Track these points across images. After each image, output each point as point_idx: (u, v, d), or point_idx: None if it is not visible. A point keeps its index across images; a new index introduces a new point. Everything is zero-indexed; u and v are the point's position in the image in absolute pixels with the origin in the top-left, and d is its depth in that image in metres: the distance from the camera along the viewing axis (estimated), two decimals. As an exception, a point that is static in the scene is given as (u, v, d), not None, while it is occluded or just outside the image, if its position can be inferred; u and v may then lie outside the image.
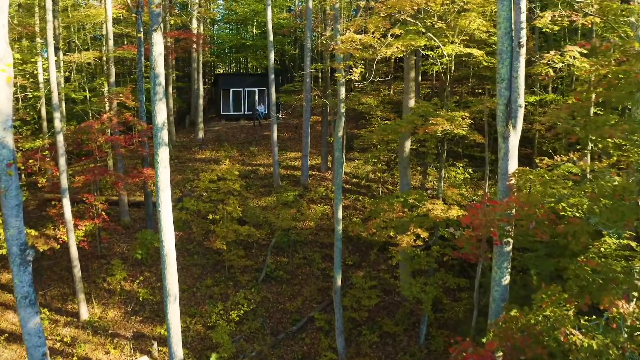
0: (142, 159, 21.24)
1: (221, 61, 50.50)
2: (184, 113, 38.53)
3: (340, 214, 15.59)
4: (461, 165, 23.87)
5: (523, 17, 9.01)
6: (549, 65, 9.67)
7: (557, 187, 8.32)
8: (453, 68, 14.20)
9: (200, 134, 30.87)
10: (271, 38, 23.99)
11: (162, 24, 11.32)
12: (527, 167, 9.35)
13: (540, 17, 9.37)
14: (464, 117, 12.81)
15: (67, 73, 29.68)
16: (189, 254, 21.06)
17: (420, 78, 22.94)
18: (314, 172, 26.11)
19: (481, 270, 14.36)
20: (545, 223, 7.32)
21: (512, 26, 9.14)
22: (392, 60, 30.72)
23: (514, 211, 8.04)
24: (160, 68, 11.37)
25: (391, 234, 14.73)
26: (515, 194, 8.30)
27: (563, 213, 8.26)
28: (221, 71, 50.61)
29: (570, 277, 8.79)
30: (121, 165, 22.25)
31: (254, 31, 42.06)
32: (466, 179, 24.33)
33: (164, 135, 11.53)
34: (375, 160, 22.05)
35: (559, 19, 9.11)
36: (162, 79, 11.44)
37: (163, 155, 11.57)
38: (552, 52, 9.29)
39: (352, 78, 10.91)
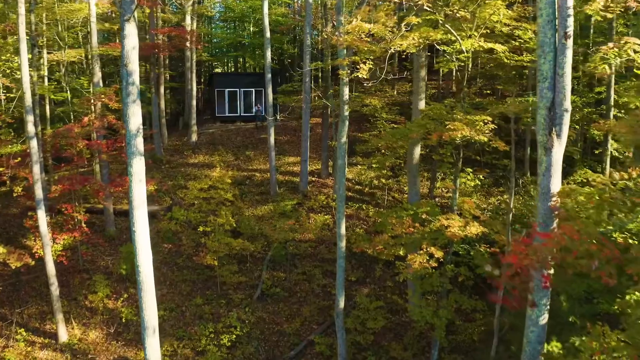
0: (127, 165, 19.53)
1: (218, 61, 48.83)
2: (178, 114, 36.90)
3: (343, 229, 13.94)
4: (470, 170, 22.20)
5: (570, 1, 7.35)
6: (605, 61, 8.01)
7: (615, 210, 6.65)
8: (470, 65, 12.55)
9: (194, 137, 29.20)
10: (268, 34, 22.34)
11: (135, 14, 9.66)
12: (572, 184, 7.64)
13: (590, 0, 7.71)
14: (485, 121, 11.16)
15: (57, 73, 28.05)
16: (178, 268, 19.40)
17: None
18: (313, 179, 24.45)
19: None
20: (610, 262, 5.68)
21: (556, 12, 7.49)
22: (396, 59, 29.05)
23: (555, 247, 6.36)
24: (133, 65, 9.72)
25: (401, 252, 13.09)
26: (566, 222, 6.62)
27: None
28: (219, 71, 48.91)
29: (630, 321, 7.12)
30: (106, 171, 20.59)
31: (252, 29, 40.42)
32: (476, 186, 22.68)
33: (139, 143, 9.87)
34: (379, 165, 20.39)
35: (612, 4, 7.46)
36: (136, 78, 9.79)
37: (138, 167, 9.92)
38: (610, 44, 7.65)
39: (360, 76, 9.28)
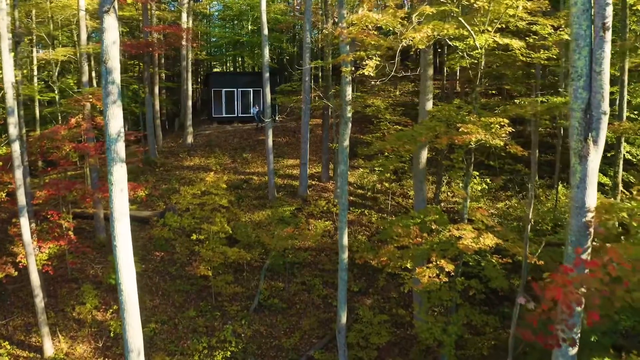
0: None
1: (217, 60, 47.82)
2: (174, 115, 35.94)
3: (345, 240, 12.97)
4: (477, 174, 21.21)
5: (609, -13, 6.39)
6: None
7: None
8: (483, 63, 11.57)
9: (189, 139, 28.20)
10: (266, 31, 21.34)
11: (115, 6, 8.69)
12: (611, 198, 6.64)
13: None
14: (502, 124, 10.19)
15: (45, 73, 27.10)
16: (171, 278, 18.42)
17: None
18: (313, 182, 23.47)
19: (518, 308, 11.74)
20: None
21: (592, 1, 6.52)
22: (398, 57, 28.03)
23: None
24: (114, 61, 8.75)
25: (408, 265, 12.12)
26: (605, 242, 5.64)
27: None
28: (219, 70, 47.85)
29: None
30: (96, 175, 19.61)
31: (250, 27, 39.44)
32: (483, 190, 21.69)
33: (120, 149, 8.90)
34: (382, 169, 19.40)
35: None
36: (116, 76, 8.83)
37: (119, 175, 8.94)
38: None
39: (367, 73, 8.32)
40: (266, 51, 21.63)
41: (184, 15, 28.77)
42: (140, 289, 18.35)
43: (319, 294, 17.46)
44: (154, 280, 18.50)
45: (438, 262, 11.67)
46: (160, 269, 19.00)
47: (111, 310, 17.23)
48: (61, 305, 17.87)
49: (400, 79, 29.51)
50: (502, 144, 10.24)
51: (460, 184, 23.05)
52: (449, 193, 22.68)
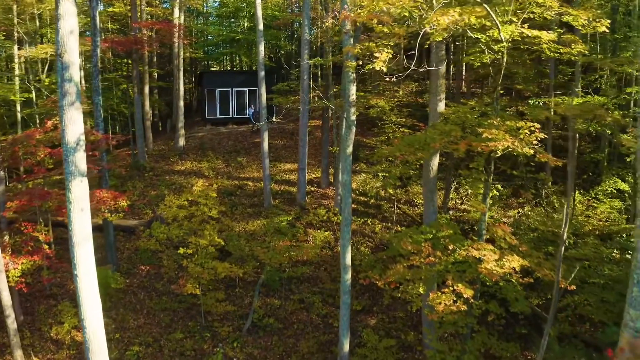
0: (99, 176, 17.09)
1: (213, 59, 46.26)
2: (167, 116, 34.41)
3: (348, 259, 11.49)
4: (484, 178, 19.71)
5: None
6: None
7: None
8: (506, 58, 10.10)
9: (181, 141, 26.66)
10: (261, 26, 19.83)
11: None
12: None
13: None
14: (532, 129, 8.71)
15: (20, 72, 25.49)
16: (158, 294, 16.92)
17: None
18: (312, 188, 21.96)
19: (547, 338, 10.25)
20: None
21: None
22: (402, 54, 26.54)
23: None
24: (71, 55, 7.26)
25: (421, 290, 10.64)
26: None
27: None
28: (214, 69, 46.26)
29: None
30: (77, 182, 18.11)
31: (246, 24, 37.92)
32: (494, 197, 20.21)
33: (79, 160, 7.40)
34: (388, 176, 17.89)
35: None
36: (74, 72, 7.33)
37: (79, 192, 7.45)
38: None
39: (378, 68, 6.84)
40: (261, 48, 20.11)
41: (176, 11, 27.25)
42: (123, 306, 17.03)
43: (319, 312, 15.98)
44: (138, 296, 17.02)
45: (455, 287, 10.21)
46: (145, 284, 17.52)
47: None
48: (38, 324, 16.39)
49: (404, 78, 28.03)
50: (532, 152, 8.76)
51: (468, 190, 21.62)
52: (457, 200, 21.22)
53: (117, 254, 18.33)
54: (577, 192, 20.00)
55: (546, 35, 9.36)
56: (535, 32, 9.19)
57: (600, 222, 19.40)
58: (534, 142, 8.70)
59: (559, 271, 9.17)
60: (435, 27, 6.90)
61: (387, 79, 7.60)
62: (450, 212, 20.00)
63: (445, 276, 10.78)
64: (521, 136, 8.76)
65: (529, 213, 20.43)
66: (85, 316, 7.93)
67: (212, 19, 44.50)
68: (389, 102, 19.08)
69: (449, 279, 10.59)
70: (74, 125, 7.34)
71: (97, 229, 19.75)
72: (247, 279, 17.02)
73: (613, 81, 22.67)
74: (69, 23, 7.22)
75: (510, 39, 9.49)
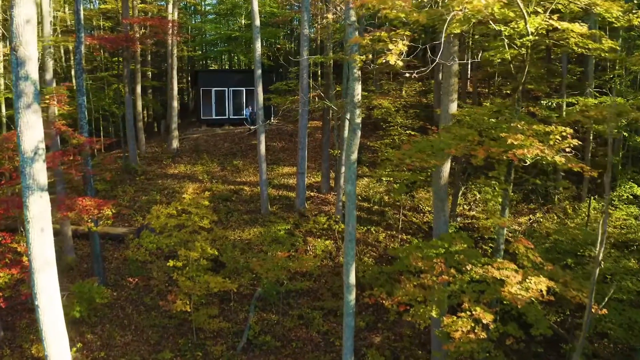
0: (84, 182, 15.96)
1: (210, 58, 45.11)
2: (162, 117, 33.25)
3: (352, 278, 10.36)
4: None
5: None
6: None
7: None
8: (529, 53, 8.97)
9: (175, 143, 25.51)
10: (257, 22, 18.68)
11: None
12: None
13: None
14: (564, 134, 7.60)
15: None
16: (146, 309, 15.78)
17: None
18: (312, 194, 20.81)
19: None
20: None
21: None
22: (404, 53, 25.41)
23: None
24: (29, 49, 6.13)
25: (434, 313, 9.54)
26: None
27: None
28: (211, 68, 45.05)
29: None
30: (61, 188, 17.02)
31: (243, 22, 36.79)
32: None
33: (38, 172, 6.27)
34: (392, 179, 16.77)
35: None
36: (31, 69, 6.20)
37: (37, 209, 6.31)
38: None
39: (392, 62, 5.74)
40: (258, 44, 18.96)
41: (170, 7, 26.12)
42: (110, 321, 15.84)
43: (319, 329, 14.84)
44: (126, 311, 15.88)
45: (473, 311, 9.09)
46: (134, 297, 16.38)
47: (75, 349, 14.57)
48: (19, 341, 15.25)
49: (407, 78, 26.88)
50: (563, 161, 7.64)
51: (477, 195, 20.51)
52: (465, 206, 20.10)
53: (104, 264, 17.21)
54: (592, 198, 18.88)
55: (578, 28, 8.24)
56: (566, 24, 8.07)
57: (616, 230, 18.32)
58: (567, 149, 7.59)
59: (591, 296, 8.05)
60: (466, 10, 5.78)
61: (412, 74, 6.51)
62: (459, 219, 18.90)
63: (460, 297, 9.67)
64: (551, 142, 7.64)
65: (541, 220, 19.33)
66: (48, 352, 6.80)
67: (210, 17, 43.41)
68: (394, 103, 17.91)
69: (465, 300, 9.48)
70: (32, 130, 6.22)
71: (83, 237, 18.80)
72: (243, 292, 15.91)
73: (628, 81, 21.61)
74: (25, 10, 6.09)
75: (536, 33, 8.37)
